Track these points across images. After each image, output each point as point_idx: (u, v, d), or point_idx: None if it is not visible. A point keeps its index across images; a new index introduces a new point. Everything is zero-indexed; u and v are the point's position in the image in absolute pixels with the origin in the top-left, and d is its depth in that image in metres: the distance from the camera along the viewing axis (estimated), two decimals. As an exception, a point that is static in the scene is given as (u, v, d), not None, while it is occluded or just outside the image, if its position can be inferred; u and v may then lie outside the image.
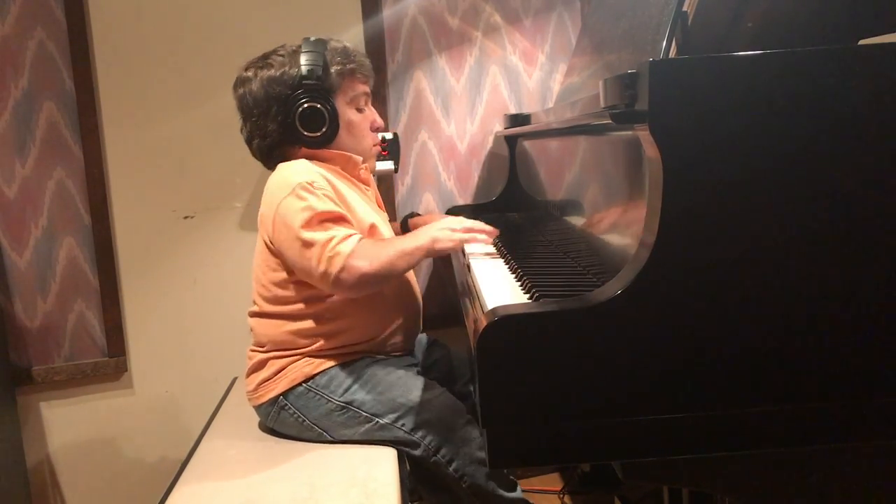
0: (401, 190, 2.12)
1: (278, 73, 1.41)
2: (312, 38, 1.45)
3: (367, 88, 1.53)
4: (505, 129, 2.01)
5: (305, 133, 1.42)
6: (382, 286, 1.39)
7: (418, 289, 1.59)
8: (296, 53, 1.43)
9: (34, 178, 1.84)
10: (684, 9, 1.04)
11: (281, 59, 1.43)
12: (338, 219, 1.34)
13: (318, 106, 1.42)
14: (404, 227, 1.79)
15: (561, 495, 2.03)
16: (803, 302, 0.84)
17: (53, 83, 1.84)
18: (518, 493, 1.43)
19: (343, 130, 1.47)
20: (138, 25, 1.90)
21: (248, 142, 1.49)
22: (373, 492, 1.20)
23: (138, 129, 1.92)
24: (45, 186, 1.85)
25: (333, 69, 1.45)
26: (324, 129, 1.43)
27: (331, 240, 1.29)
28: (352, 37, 2.04)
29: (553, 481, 2.10)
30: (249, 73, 1.44)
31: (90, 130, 1.86)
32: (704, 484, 0.92)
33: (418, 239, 1.35)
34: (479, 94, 2.15)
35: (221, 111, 1.96)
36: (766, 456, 0.90)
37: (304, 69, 1.41)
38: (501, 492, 1.39)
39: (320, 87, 1.42)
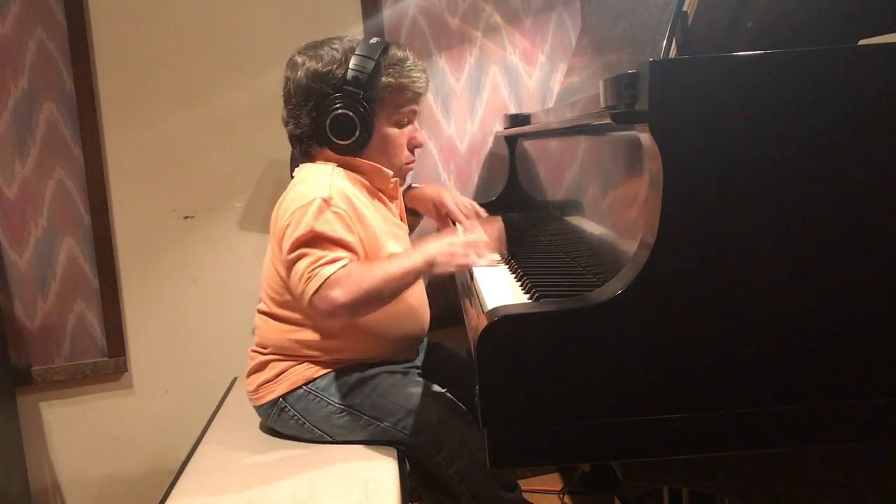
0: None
1: (324, 70, 1.36)
2: (373, 41, 1.39)
3: (415, 106, 1.46)
4: (505, 129, 2.01)
5: (333, 138, 1.38)
6: (363, 315, 1.30)
7: (426, 303, 1.53)
8: (349, 52, 1.38)
9: (34, 178, 1.84)
10: (684, 9, 1.04)
11: (333, 52, 1.38)
12: (339, 244, 1.27)
13: (352, 114, 1.36)
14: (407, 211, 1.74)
15: (561, 495, 2.03)
16: (803, 302, 0.84)
17: (53, 83, 1.83)
18: (518, 494, 1.43)
19: (375, 143, 1.41)
20: (138, 25, 1.90)
21: (285, 124, 1.45)
22: (373, 492, 1.20)
23: (138, 129, 1.92)
24: (45, 186, 1.85)
25: (383, 79, 1.38)
26: (352, 140, 1.37)
27: (317, 260, 1.24)
28: (353, 35, 2.04)
29: (553, 481, 2.10)
30: (300, 59, 1.39)
31: (90, 130, 1.86)
32: (704, 484, 0.92)
33: (412, 259, 1.26)
34: (479, 94, 2.15)
35: (221, 111, 1.96)
36: (766, 456, 0.90)
37: (349, 73, 1.35)
38: (502, 492, 1.39)
39: (360, 95, 1.36)
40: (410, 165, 1.52)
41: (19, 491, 1.83)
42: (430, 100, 2.11)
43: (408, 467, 1.38)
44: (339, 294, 1.21)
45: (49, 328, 1.88)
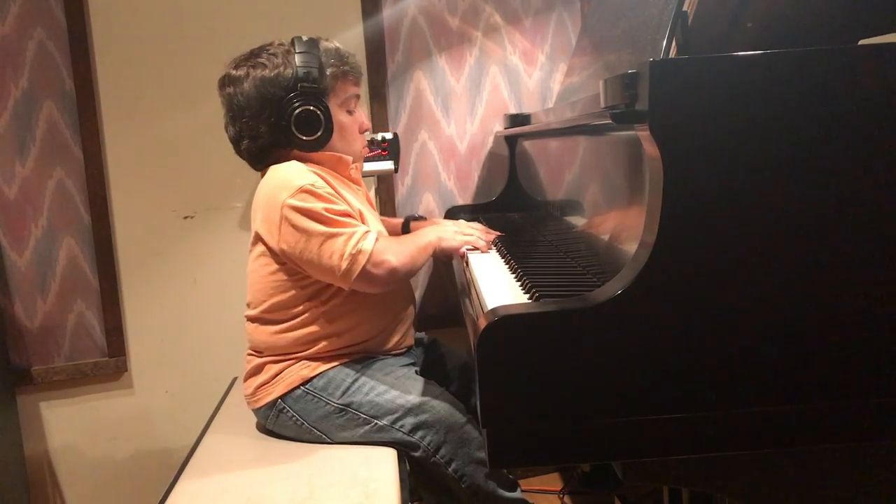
0: (401, 190, 2.12)
1: (272, 74, 1.38)
2: (305, 38, 1.42)
3: (358, 91, 1.51)
4: (505, 129, 2.01)
5: (301, 136, 1.40)
6: (404, 281, 1.42)
7: (411, 285, 1.60)
8: (289, 53, 1.40)
9: (34, 178, 1.84)
10: (684, 9, 1.04)
11: (273, 58, 1.39)
12: (349, 216, 1.35)
13: (314, 109, 1.39)
14: (405, 230, 1.78)
15: (561, 495, 2.03)
16: (803, 301, 0.84)
17: (53, 83, 1.84)
18: (518, 494, 1.43)
19: (335, 133, 1.45)
20: (138, 25, 1.90)
21: (236, 142, 1.45)
22: (373, 492, 1.20)
23: (138, 129, 1.92)
24: (45, 186, 1.85)
25: (328, 71, 1.43)
26: (319, 133, 1.41)
27: (351, 236, 1.31)
28: (352, 37, 2.04)
29: (553, 481, 2.10)
30: (240, 73, 1.40)
31: (90, 130, 1.86)
32: (704, 484, 0.92)
33: (427, 236, 1.41)
34: (479, 94, 2.15)
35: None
36: (766, 456, 0.90)
37: (300, 71, 1.38)
38: (501, 492, 1.39)
39: (316, 89, 1.40)
40: (366, 150, 1.59)
41: (19, 490, 1.84)
42: (430, 100, 2.11)
43: (407, 467, 1.37)
44: (392, 258, 1.32)
45: (49, 328, 1.88)
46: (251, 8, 1.97)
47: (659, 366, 0.84)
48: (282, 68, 1.38)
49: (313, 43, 1.42)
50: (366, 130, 1.56)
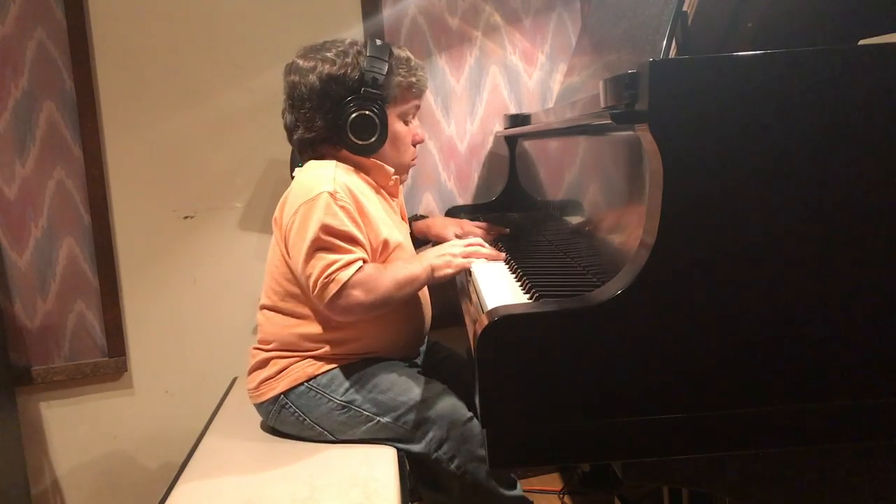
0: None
1: (340, 73, 1.39)
2: (378, 43, 1.43)
3: (419, 103, 1.52)
4: (505, 129, 2.01)
5: (354, 139, 1.40)
6: (377, 314, 1.37)
7: (428, 300, 1.57)
8: (360, 54, 1.41)
9: (34, 178, 1.84)
10: (684, 9, 1.04)
11: (344, 56, 1.40)
12: (349, 239, 1.32)
13: (371, 115, 1.40)
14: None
15: (561, 495, 2.03)
16: (803, 302, 0.84)
17: (53, 83, 1.83)
18: (518, 492, 1.43)
19: (388, 142, 1.45)
20: (138, 25, 1.90)
21: (290, 130, 1.46)
22: (373, 492, 1.20)
23: (138, 129, 1.92)
24: (45, 186, 1.85)
25: (394, 79, 1.43)
26: (373, 139, 1.41)
27: (332, 263, 1.29)
28: (352, 37, 2.03)
29: (553, 481, 2.10)
30: (308, 64, 1.40)
31: (90, 130, 1.86)
32: (704, 484, 0.92)
33: (416, 268, 1.35)
34: (479, 94, 2.15)
35: (221, 111, 1.96)
36: (766, 456, 0.90)
37: (367, 75, 1.38)
38: (502, 490, 1.39)
39: (378, 96, 1.40)
40: (414, 161, 1.57)
41: (19, 491, 1.83)
42: (430, 100, 2.11)
43: (408, 467, 1.38)
44: (359, 294, 1.29)
45: (49, 328, 1.88)
46: (251, 8, 1.97)
47: (659, 366, 0.84)
48: (349, 68, 1.39)
49: (385, 48, 1.42)
50: (418, 143, 1.55)
